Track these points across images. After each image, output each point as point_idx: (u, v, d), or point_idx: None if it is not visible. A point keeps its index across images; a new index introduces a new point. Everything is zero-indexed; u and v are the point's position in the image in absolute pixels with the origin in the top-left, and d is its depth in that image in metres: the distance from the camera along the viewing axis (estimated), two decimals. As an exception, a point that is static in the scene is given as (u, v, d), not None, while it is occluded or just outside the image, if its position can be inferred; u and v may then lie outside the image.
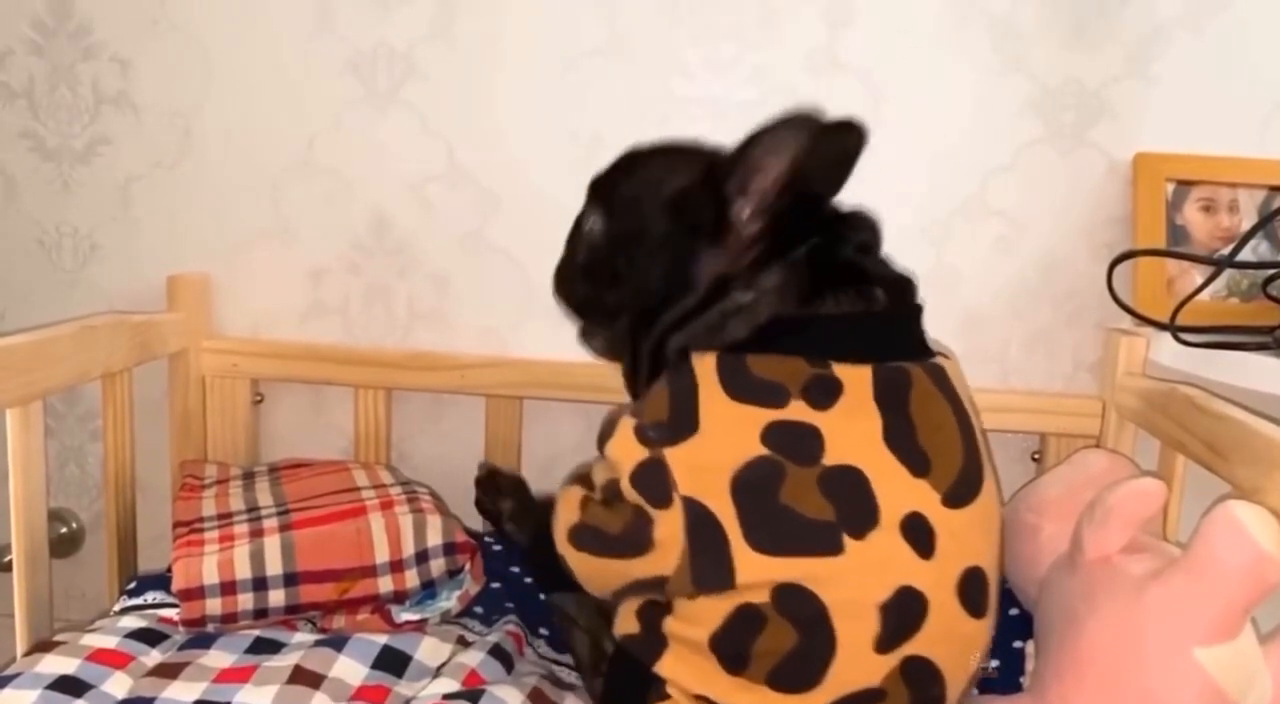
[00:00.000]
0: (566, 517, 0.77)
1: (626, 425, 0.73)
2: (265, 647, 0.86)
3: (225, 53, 1.18)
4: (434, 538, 0.95)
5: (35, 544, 0.92)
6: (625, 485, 0.71)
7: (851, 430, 0.69)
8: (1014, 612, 0.95)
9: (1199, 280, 1.02)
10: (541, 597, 0.95)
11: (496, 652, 0.87)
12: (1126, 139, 1.10)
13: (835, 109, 1.09)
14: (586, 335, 0.86)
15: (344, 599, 0.92)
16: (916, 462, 0.69)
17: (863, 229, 0.79)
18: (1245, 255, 1.01)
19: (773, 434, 0.68)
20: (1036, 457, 1.15)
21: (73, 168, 1.22)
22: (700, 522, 0.68)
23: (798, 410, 0.68)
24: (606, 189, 0.82)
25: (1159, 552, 0.77)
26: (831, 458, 0.68)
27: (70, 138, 1.21)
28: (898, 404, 0.70)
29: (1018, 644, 0.92)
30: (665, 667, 0.70)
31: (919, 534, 0.68)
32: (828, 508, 0.67)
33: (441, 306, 1.21)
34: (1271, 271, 1.04)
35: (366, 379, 1.18)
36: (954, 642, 0.70)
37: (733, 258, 0.75)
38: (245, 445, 1.21)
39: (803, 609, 0.66)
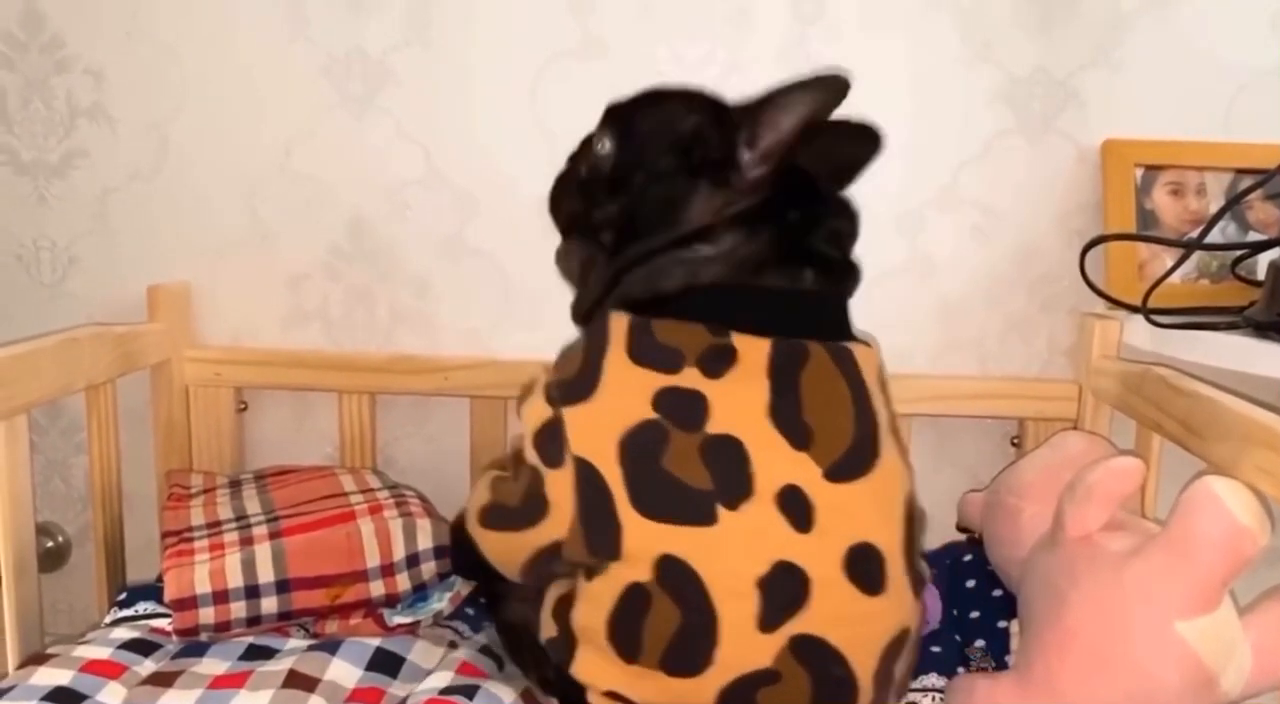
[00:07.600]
0: (478, 499, 0.81)
1: (540, 384, 0.76)
2: (259, 653, 0.86)
3: (199, 62, 1.18)
4: (424, 541, 0.95)
5: (23, 558, 0.92)
6: (528, 447, 0.75)
7: (736, 400, 0.71)
8: (997, 593, 0.96)
9: (1169, 263, 1.03)
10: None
11: (486, 651, 0.88)
12: (1094, 126, 1.11)
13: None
14: (562, 255, 0.86)
15: (336, 605, 0.93)
16: (798, 435, 0.70)
17: (841, 216, 0.80)
18: (1213, 237, 1.03)
19: (663, 399, 0.70)
20: (1015, 441, 1.16)
21: (49, 181, 1.21)
22: (589, 482, 0.70)
23: (690, 377, 0.71)
24: (623, 116, 0.83)
25: (1139, 528, 0.78)
26: (714, 426, 0.70)
27: (46, 151, 1.21)
28: (789, 378, 0.72)
29: (1002, 624, 0.93)
30: (579, 668, 0.72)
31: (795, 507, 0.69)
32: (706, 476, 0.69)
33: (423, 309, 1.21)
34: (1239, 252, 1.06)
35: (350, 384, 1.18)
36: (850, 621, 0.70)
37: (727, 203, 0.76)
38: (230, 454, 1.21)
39: (683, 584, 0.68)
